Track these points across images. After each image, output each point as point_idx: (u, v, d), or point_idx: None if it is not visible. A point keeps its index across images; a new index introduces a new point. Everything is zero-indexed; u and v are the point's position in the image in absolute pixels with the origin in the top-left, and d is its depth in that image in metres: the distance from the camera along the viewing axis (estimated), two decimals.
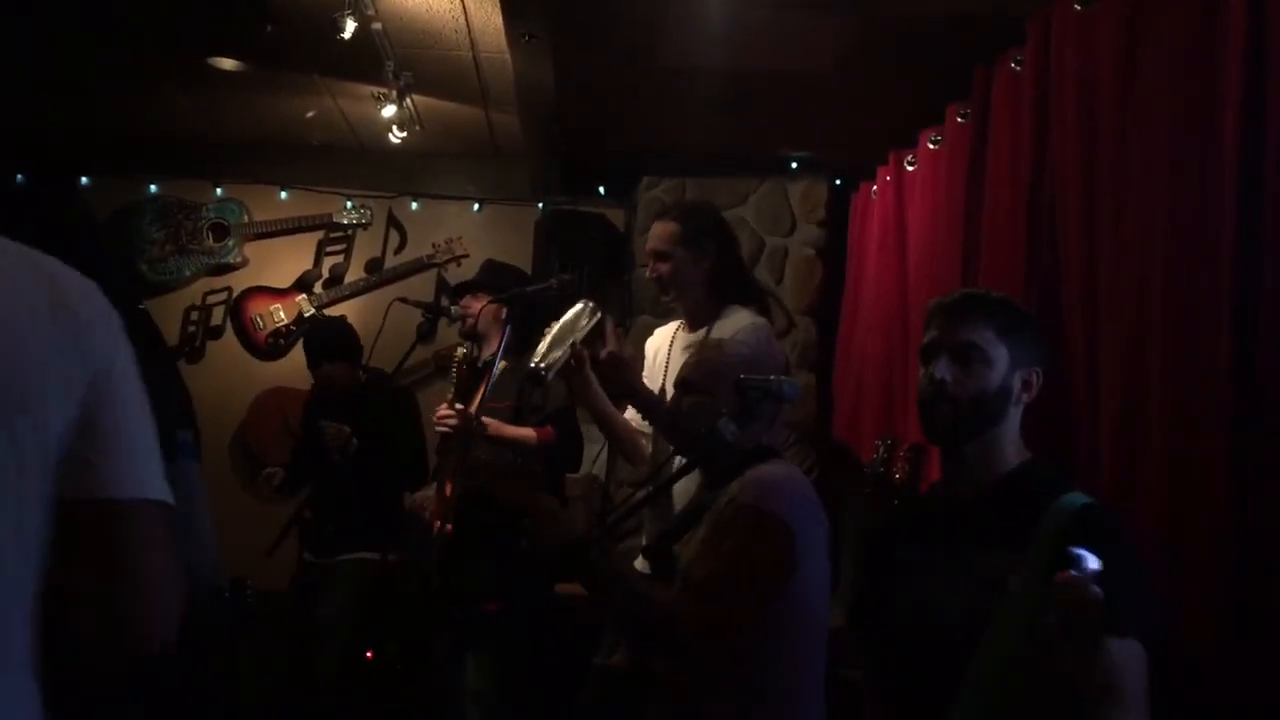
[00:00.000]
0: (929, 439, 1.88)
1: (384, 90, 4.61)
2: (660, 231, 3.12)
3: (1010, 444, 1.84)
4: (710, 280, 3.06)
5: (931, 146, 4.60)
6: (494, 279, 3.97)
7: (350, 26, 3.69)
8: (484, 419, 3.48)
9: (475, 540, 3.55)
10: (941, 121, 4.45)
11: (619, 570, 2.32)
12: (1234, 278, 2.41)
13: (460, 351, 4.02)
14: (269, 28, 3.87)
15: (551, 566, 2.30)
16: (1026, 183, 3.52)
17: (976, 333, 1.80)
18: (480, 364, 3.87)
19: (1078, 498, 1.72)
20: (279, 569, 4.41)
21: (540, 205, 6.07)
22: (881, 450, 3.34)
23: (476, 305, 3.82)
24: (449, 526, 3.59)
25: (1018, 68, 3.67)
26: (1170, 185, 2.71)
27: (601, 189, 6.07)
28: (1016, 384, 1.83)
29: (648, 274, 3.21)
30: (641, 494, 2.42)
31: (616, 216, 6.08)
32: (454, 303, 4.12)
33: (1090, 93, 3.15)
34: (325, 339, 4.67)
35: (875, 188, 5.29)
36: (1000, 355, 1.81)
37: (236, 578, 3.58)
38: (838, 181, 5.81)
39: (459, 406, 3.63)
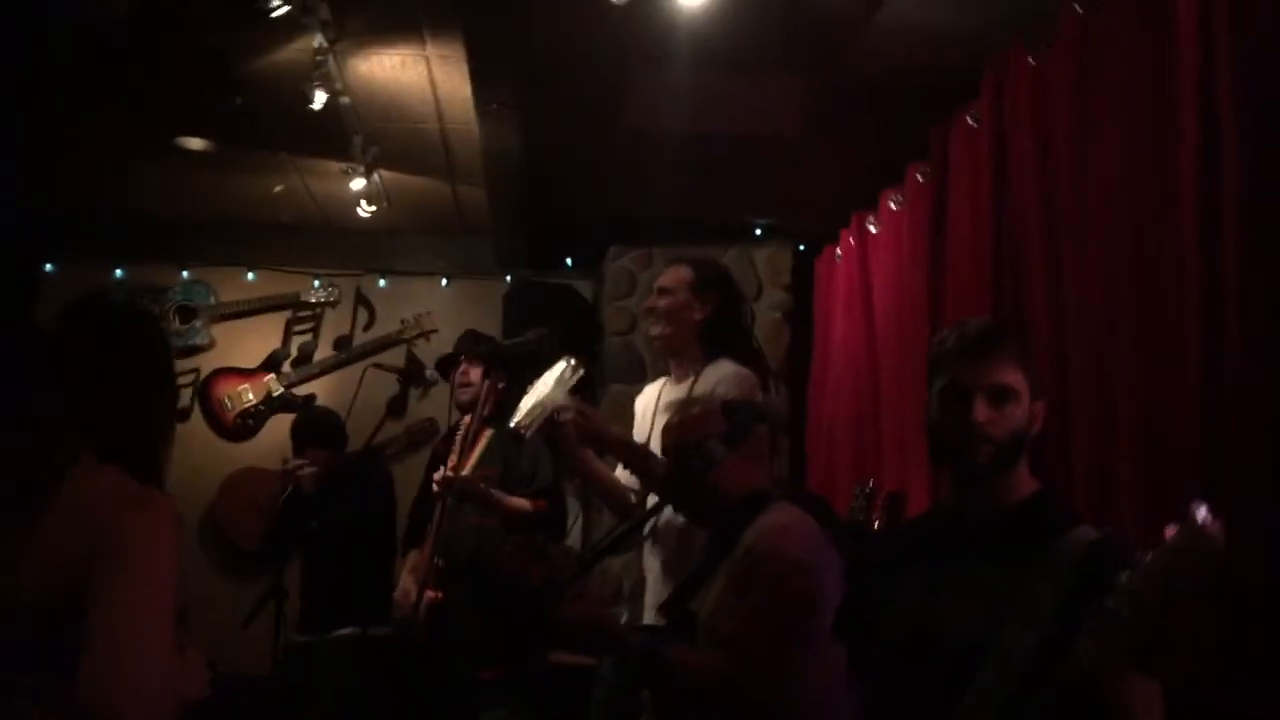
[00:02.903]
0: (964, 479, 1.86)
1: (352, 165, 4.66)
2: (672, 272, 3.22)
3: (1024, 473, 1.86)
4: (704, 328, 3.11)
5: (893, 207, 4.68)
6: (480, 345, 3.98)
7: (320, 97, 3.74)
8: (481, 485, 3.50)
9: (465, 606, 3.52)
10: (902, 181, 4.54)
11: (645, 641, 2.32)
12: (1200, 309, 2.47)
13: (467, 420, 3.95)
14: (238, 100, 3.91)
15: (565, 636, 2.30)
16: (989, 233, 3.60)
17: (1008, 372, 1.82)
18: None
19: (1090, 531, 1.75)
20: (253, 651, 4.34)
21: (508, 278, 6.10)
22: (860, 498, 3.36)
23: (475, 373, 3.78)
24: (438, 594, 3.57)
25: (974, 123, 3.76)
26: (1131, 217, 2.78)
27: (569, 261, 6.13)
28: (1033, 416, 1.86)
29: (644, 305, 3.25)
30: (619, 530, 2.43)
31: (584, 288, 6.13)
32: (444, 378, 4.09)
33: (1046, 137, 3.24)
34: (312, 429, 4.70)
35: (839, 250, 5.37)
36: (1024, 390, 1.84)
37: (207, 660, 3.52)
38: (801, 247, 5.89)
39: (449, 474, 3.60)
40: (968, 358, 1.83)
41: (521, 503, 3.63)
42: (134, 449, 1.77)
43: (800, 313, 5.79)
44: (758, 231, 5.79)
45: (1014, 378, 1.82)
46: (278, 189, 5.08)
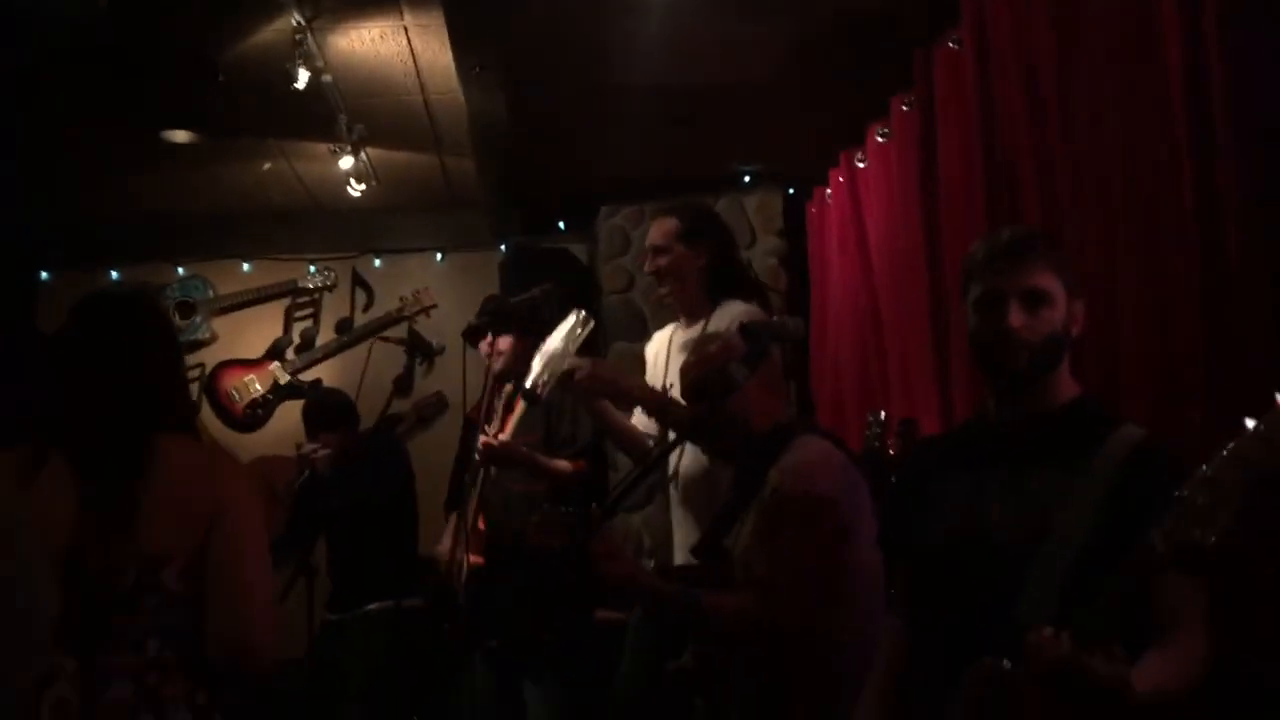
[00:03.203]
0: (1004, 386, 1.86)
1: (338, 145, 4.66)
2: (659, 227, 3.20)
3: (1065, 377, 1.87)
4: (706, 275, 3.12)
5: (880, 140, 4.70)
6: (503, 308, 3.95)
7: (303, 76, 3.75)
8: (524, 450, 3.50)
9: (510, 573, 3.54)
10: (887, 114, 4.55)
11: (682, 591, 2.35)
12: (1195, 212, 2.48)
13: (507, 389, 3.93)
14: (220, 78, 3.90)
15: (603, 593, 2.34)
16: (979, 155, 3.61)
17: (1040, 276, 1.81)
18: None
19: (1136, 429, 1.76)
20: (287, 634, 4.39)
21: (502, 247, 6.12)
22: (874, 427, 3.39)
23: (504, 342, 3.71)
24: (479, 559, 3.59)
25: (956, 46, 3.77)
26: (1122, 130, 2.79)
27: (561, 224, 6.14)
28: (1072, 318, 1.86)
29: (645, 268, 3.26)
30: (636, 473, 2.46)
31: (579, 252, 6.14)
32: (473, 346, 4.01)
33: (1031, 54, 3.24)
34: (323, 411, 4.71)
35: (829, 191, 5.39)
36: (1059, 293, 1.83)
37: None
38: (791, 191, 5.90)
39: (501, 437, 3.59)
40: (999, 264, 1.82)
41: (564, 465, 3.64)
42: (189, 416, 2.11)
43: (795, 257, 5.82)
44: (746, 179, 5.81)
45: (1047, 281, 1.81)
46: (266, 166, 5.07)
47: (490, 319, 3.69)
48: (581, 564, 2.30)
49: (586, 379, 2.95)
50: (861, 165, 4.94)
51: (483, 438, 3.53)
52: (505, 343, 3.65)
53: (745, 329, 2.23)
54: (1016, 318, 1.79)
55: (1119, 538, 1.53)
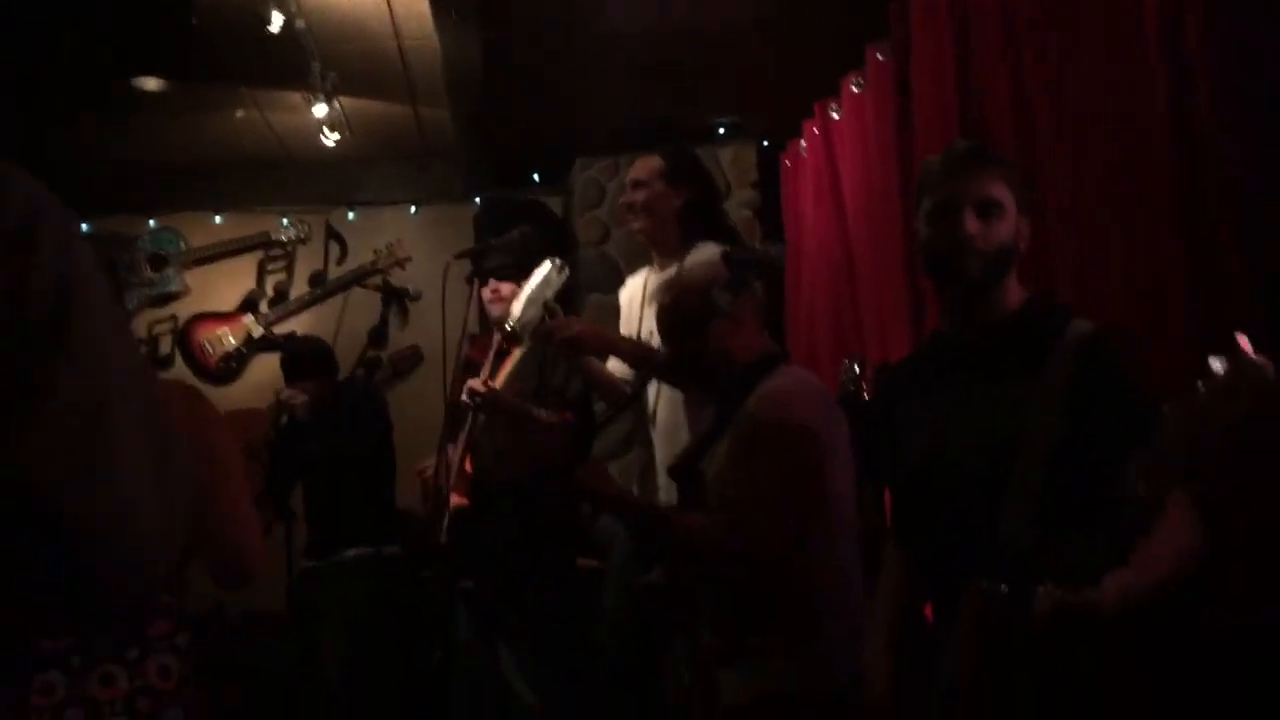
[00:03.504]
0: (957, 295, 1.90)
1: (311, 93, 4.62)
2: (643, 163, 3.24)
3: (1014, 285, 1.91)
4: (682, 216, 3.15)
5: (855, 90, 4.71)
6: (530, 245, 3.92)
7: (277, 20, 3.71)
8: (513, 399, 3.51)
9: (494, 517, 3.56)
10: (862, 65, 4.56)
11: (654, 505, 2.37)
12: (1171, 147, 2.52)
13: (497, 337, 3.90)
14: (193, 20, 3.85)
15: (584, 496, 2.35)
16: (955, 105, 3.63)
17: (994, 186, 1.86)
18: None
19: (1085, 325, 1.81)
20: (266, 585, 4.40)
21: (477, 200, 6.10)
22: (849, 371, 3.42)
23: (506, 288, 3.64)
24: (462, 501, 3.61)
25: None
26: (1100, 73, 2.81)
27: (536, 177, 6.13)
28: (1019, 233, 1.90)
29: (621, 200, 3.29)
30: (622, 404, 2.48)
31: (554, 205, 6.14)
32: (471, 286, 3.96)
33: (1008, 0, 3.26)
34: (301, 359, 4.70)
35: (804, 142, 5.40)
36: (1011, 205, 1.88)
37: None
38: (765, 143, 5.91)
39: (490, 384, 3.59)
40: (955, 174, 1.87)
41: (549, 415, 3.64)
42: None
43: (770, 209, 5.83)
44: (721, 131, 5.81)
45: (1000, 191, 1.86)
46: (239, 114, 5.02)
47: (515, 259, 3.57)
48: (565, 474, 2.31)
49: (575, 338, 2.99)
50: (836, 116, 4.94)
51: (472, 382, 3.55)
52: (509, 289, 3.59)
53: (728, 255, 2.25)
54: (972, 224, 1.83)
55: (1084, 438, 1.57)
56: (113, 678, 1.73)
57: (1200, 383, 1.40)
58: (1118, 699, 1.64)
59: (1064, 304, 2.19)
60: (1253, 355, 1.40)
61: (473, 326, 3.67)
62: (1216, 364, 1.40)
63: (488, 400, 3.50)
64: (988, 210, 1.85)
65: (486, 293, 3.71)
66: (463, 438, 3.58)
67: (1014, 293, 1.91)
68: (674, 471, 2.43)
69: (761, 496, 2.22)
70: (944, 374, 1.91)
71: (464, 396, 3.51)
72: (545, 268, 3.05)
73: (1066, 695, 1.60)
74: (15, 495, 0.85)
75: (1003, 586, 1.59)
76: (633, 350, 3.05)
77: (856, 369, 3.47)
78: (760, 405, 2.27)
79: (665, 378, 2.60)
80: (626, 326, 3.31)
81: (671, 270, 3.09)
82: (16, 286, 0.87)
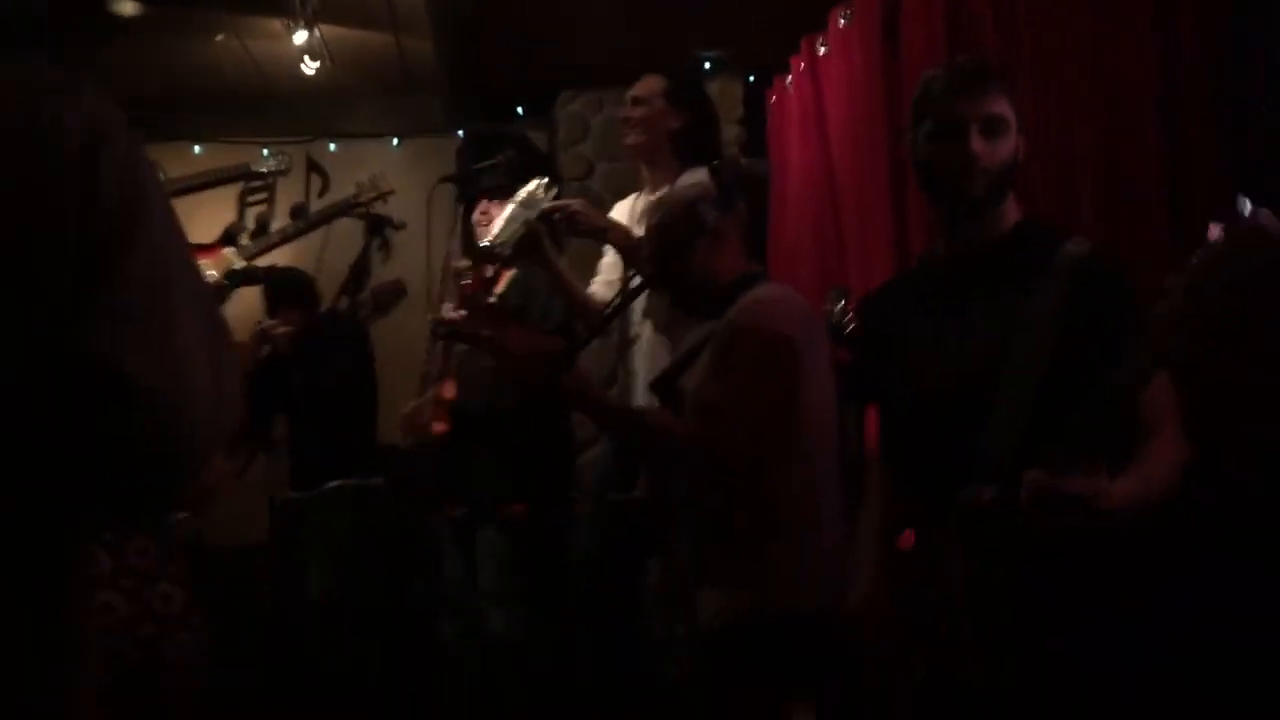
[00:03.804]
0: (959, 214, 1.89)
1: (292, 21, 4.56)
2: (646, 82, 3.26)
3: (1012, 204, 1.92)
4: (678, 138, 3.14)
5: (842, 24, 4.67)
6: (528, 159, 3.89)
7: None
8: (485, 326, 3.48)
9: (477, 443, 3.57)
10: None
11: (631, 407, 2.39)
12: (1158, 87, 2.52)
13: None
14: None
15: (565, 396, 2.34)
16: (942, 36, 3.61)
17: (998, 103, 1.85)
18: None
19: (1082, 242, 1.82)
20: (247, 516, 4.43)
21: (460, 133, 6.05)
22: (834, 301, 3.42)
23: (496, 210, 3.53)
24: (443, 428, 3.61)
25: None
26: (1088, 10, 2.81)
27: (520, 110, 6.08)
28: (1019, 148, 1.90)
29: (619, 114, 3.28)
30: (607, 313, 2.49)
31: (539, 140, 6.08)
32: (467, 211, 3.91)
33: None
34: (283, 288, 4.68)
35: (790, 79, 5.36)
36: (1013, 122, 1.88)
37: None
38: (751, 79, 5.87)
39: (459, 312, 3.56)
40: (960, 91, 1.86)
41: (523, 338, 3.61)
42: None
43: (755, 146, 5.80)
44: (707, 66, 5.76)
45: (1003, 108, 1.86)
46: (219, 38, 4.94)
47: (507, 179, 3.53)
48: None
49: (574, 213, 2.99)
50: (823, 51, 4.91)
51: (448, 313, 3.52)
52: (497, 210, 3.52)
53: (714, 168, 2.24)
54: (977, 143, 1.82)
55: (1077, 354, 1.58)
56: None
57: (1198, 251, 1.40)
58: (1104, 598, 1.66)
59: (1062, 225, 2.19)
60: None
61: (461, 254, 3.66)
62: (1214, 229, 1.40)
63: (450, 329, 3.49)
64: (993, 128, 1.84)
65: (476, 214, 3.68)
66: (441, 364, 3.59)
67: (1011, 211, 1.91)
68: (655, 386, 2.44)
69: (741, 401, 2.23)
70: (938, 292, 1.91)
71: (440, 323, 3.50)
72: (530, 186, 3.04)
73: (1055, 596, 1.62)
74: (84, 365, 0.94)
75: (988, 491, 1.62)
76: (624, 240, 3.06)
77: (842, 299, 3.47)
78: (740, 313, 2.28)
79: (650, 279, 2.61)
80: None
81: (663, 193, 3.08)
82: (82, 205, 1.00)
